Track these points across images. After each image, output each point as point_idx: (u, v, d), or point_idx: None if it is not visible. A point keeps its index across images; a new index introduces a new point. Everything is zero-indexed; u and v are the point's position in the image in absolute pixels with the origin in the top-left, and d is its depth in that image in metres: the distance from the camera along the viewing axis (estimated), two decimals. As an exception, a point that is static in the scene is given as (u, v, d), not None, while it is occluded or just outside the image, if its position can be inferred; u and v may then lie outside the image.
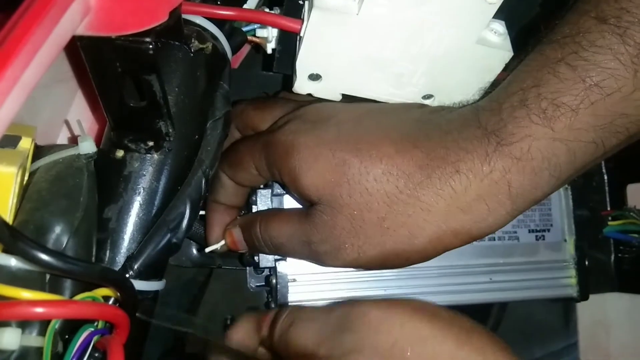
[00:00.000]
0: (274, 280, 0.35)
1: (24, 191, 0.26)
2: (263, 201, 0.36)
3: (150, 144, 0.29)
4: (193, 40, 0.30)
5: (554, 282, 0.39)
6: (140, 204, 0.29)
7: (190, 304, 0.43)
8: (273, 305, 0.35)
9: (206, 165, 0.30)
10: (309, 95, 0.33)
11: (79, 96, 0.36)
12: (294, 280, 0.35)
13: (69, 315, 0.23)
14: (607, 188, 0.46)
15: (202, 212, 0.37)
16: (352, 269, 0.35)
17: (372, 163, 0.29)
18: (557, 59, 0.27)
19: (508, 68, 0.31)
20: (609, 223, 0.44)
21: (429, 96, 0.33)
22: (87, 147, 0.28)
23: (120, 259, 0.28)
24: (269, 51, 0.34)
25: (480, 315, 0.44)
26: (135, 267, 0.27)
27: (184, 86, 0.29)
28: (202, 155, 0.30)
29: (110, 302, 0.25)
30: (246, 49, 0.39)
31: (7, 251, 0.23)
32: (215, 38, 0.31)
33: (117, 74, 0.25)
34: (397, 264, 0.30)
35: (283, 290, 0.35)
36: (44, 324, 0.23)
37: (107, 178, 0.29)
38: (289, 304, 0.35)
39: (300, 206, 0.35)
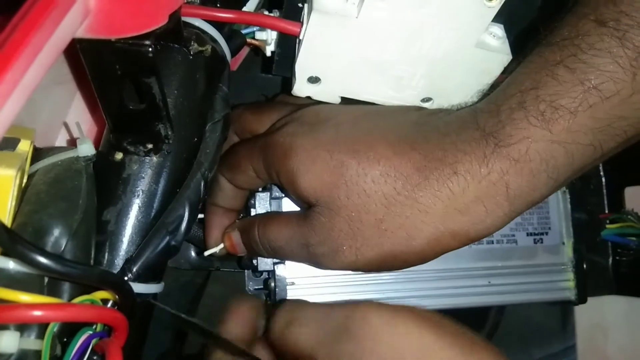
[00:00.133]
0: (272, 284, 0.35)
1: (23, 193, 0.26)
2: (261, 204, 0.36)
3: (150, 146, 0.29)
4: (192, 43, 0.30)
5: (552, 285, 0.39)
6: (139, 207, 0.29)
7: (189, 306, 0.43)
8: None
9: (205, 167, 0.30)
10: (308, 98, 0.33)
11: (77, 98, 0.36)
12: (293, 283, 0.35)
13: (68, 319, 0.23)
14: (605, 191, 0.46)
15: (200, 216, 0.37)
16: (350, 272, 0.35)
17: (370, 165, 0.29)
18: (556, 62, 0.27)
19: (506, 70, 0.31)
20: (607, 226, 0.44)
21: (427, 99, 0.33)
22: (86, 149, 0.28)
23: (119, 261, 0.28)
24: (268, 54, 0.34)
25: (478, 319, 0.44)
26: (134, 269, 0.27)
27: (183, 89, 0.29)
28: (201, 158, 0.30)
29: (109, 305, 0.25)
30: (245, 51, 0.39)
31: (5, 254, 0.23)
32: (214, 40, 0.31)
33: (116, 77, 0.25)
34: (395, 266, 0.30)
35: (282, 294, 0.35)
36: (42, 327, 0.23)
37: (106, 180, 0.29)
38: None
39: (298, 209, 0.35)
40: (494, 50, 0.31)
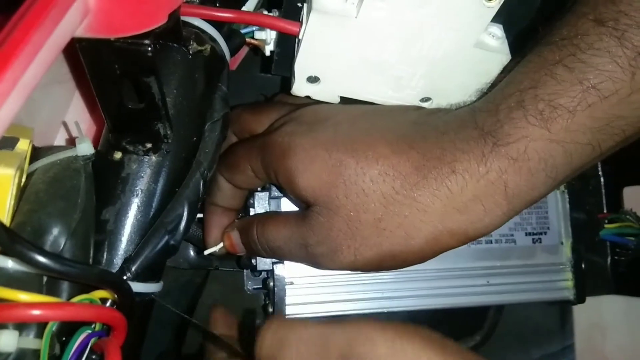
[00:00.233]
0: (271, 283, 0.35)
1: (22, 193, 0.26)
2: (260, 204, 0.36)
3: (149, 145, 0.29)
4: (192, 42, 0.30)
5: (550, 284, 0.39)
6: (138, 206, 0.29)
7: (188, 305, 0.43)
8: (271, 309, 0.35)
9: (204, 167, 0.30)
10: (307, 97, 0.33)
11: (77, 97, 0.36)
12: (292, 283, 0.35)
13: (66, 318, 0.23)
14: (603, 191, 0.46)
15: (200, 215, 0.37)
16: (349, 271, 0.35)
17: (369, 164, 0.29)
18: (555, 61, 0.27)
19: (505, 70, 0.31)
20: (606, 226, 0.44)
21: (427, 99, 0.33)
22: (85, 148, 0.28)
23: (118, 260, 0.28)
24: (268, 53, 0.34)
25: (477, 318, 0.45)
26: (133, 269, 0.27)
27: (182, 88, 0.29)
28: (200, 157, 0.30)
29: (108, 304, 0.25)
30: (244, 51, 0.39)
31: (4, 253, 0.23)
32: (213, 40, 0.31)
33: (115, 76, 0.25)
34: (394, 265, 0.30)
35: (280, 293, 0.35)
36: (41, 326, 0.23)
37: (104, 180, 0.29)
38: (287, 306, 0.35)
39: (297, 209, 0.35)
40: (493, 50, 0.31)
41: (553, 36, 0.28)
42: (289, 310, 0.35)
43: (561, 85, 0.26)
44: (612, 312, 0.47)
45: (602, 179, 0.46)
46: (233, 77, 0.34)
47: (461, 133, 0.28)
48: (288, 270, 0.35)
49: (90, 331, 0.24)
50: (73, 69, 0.33)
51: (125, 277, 0.27)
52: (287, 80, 0.33)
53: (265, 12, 0.32)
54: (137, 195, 0.29)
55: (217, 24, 0.31)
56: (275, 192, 0.36)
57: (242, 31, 0.34)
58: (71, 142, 0.34)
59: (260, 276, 0.38)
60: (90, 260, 0.27)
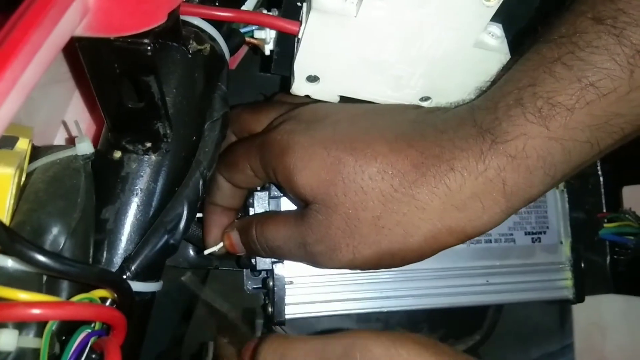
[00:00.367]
0: (271, 283, 0.35)
1: (21, 192, 0.26)
2: (260, 203, 0.36)
3: (148, 145, 0.29)
4: (191, 42, 0.30)
5: (550, 284, 0.39)
6: (137, 205, 0.29)
7: (187, 305, 0.43)
8: (270, 309, 0.35)
9: (204, 166, 0.30)
10: (307, 96, 0.33)
11: (76, 97, 0.36)
12: (291, 282, 0.35)
13: (66, 317, 0.23)
14: (602, 190, 0.46)
15: (199, 215, 0.37)
16: (348, 271, 0.35)
17: (367, 162, 0.29)
18: (554, 59, 0.27)
19: (504, 68, 0.31)
20: (605, 225, 0.44)
21: (426, 98, 0.33)
22: (85, 148, 0.28)
23: (118, 260, 0.28)
24: (267, 53, 0.34)
25: (476, 317, 0.44)
26: (133, 268, 0.27)
27: (182, 87, 0.29)
28: (199, 157, 0.30)
29: (107, 303, 0.25)
30: (244, 50, 0.39)
31: (4, 252, 0.23)
32: (213, 39, 0.31)
33: (115, 75, 0.25)
34: (393, 263, 0.30)
35: (280, 293, 0.35)
36: (41, 325, 0.23)
37: (104, 179, 0.29)
38: (286, 306, 0.35)
39: (297, 208, 0.35)
40: (492, 49, 0.31)
41: (552, 34, 0.28)
42: (289, 310, 0.35)
43: (560, 83, 0.26)
44: (612, 311, 0.47)
45: (601, 178, 0.46)
46: (232, 76, 0.34)
47: (460, 131, 0.28)
48: (288, 270, 0.35)
49: (90, 330, 0.24)
50: (72, 68, 0.33)
51: (125, 277, 0.27)
52: (287, 79, 0.33)
53: (265, 12, 0.32)
54: (136, 194, 0.29)
55: (216, 23, 0.31)
56: (275, 192, 0.36)
57: (242, 30, 0.34)
58: (71, 141, 0.34)
59: (260, 276, 0.38)
60: (90, 260, 0.27)
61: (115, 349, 0.22)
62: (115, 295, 0.25)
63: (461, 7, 0.28)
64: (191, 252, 0.41)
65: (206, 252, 0.36)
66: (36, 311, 0.21)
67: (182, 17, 0.29)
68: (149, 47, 0.24)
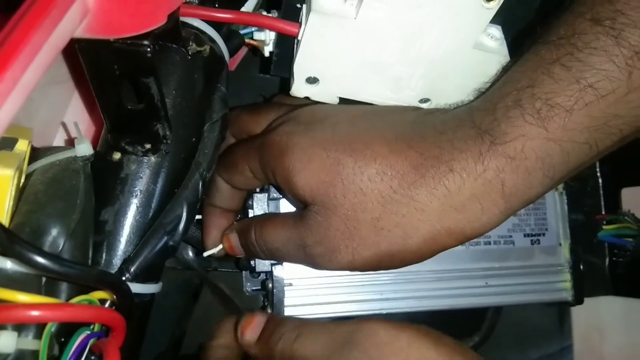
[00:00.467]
0: (270, 285, 0.35)
1: (21, 193, 0.26)
2: (259, 205, 0.36)
3: (148, 146, 0.29)
4: (191, 43, 0.30)
5: (549, 286, 0.39)
6: (137, 207, 0.28)
7: (186, 306, 0.43)
8: (269, 311, 0.35)
9: (203, 167, 0.30)
10: (306, 98, 0.33)
11: (76, 98, 0.36)
12: (291, 284, 0.35)
13: (65, 319, 0.23)
14: (601, 192, 0.46)
15: (198, 216, 0.37)
16: (348, 272, 0.35)
17: (366, 163, 0.29)
18: (552, 60, 0.27)
19: (503, 69, 0.31)
20: (604, 227, 0.44)
21: (425, 100, 0.33)
22: (84, 149, 0.28)
23: (117, 261, 0.28)
24: (267, 54, 0.34)
25: (475, 319, 0.45)
26: (132, 269, 0.27)
27: (181, 89, 0.29)
28: (199, 158, 0.30)
29: (107, 305, 0.25)
30: (244, 51, 0.39)
31: (3, 254, 0.23)
32: (212, 41, 0.31)
33: (114, 77, 0.25)
34: (392, 265, 0.30)
35: (279, 295, 0.35)
36: (40, 327, 0.23)
37: (103, 180, 0.29)
38: (285, 308, 0.35)
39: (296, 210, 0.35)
40: (491, 51, 0.31)
41: (550, 35, 0.28)
42: (288, 312, 0.35)
43: (558, 84, 0.26)
44: (610, 313, 0.47)
45: (600, 180, 0.46)
46: (232, 77, 0.34)
47: (459, 132, 0.28)
48: (287, 272, 0.35)
49: (89, 332, 0.24)
50: (72, 69, 0.33)
51: (124, 278, 0.27)
52: (286, 81, 0.33)
53: (265, 13, 0.32)
54: (136, 196, 0.29)
55: (216, 24, 0.31)
56: (274, 194, 0.36)
57: (241, 32, 0.34)
58: (70, 142, 0.34)
59: (259, 277, 0.38)
60: (89, 261, 0.27)
61: (115, 351, 0.22)
62: (115, 296, 0.25)
63: (461, 8, 0.28)
64: (190, 254, 0.41)
65: (205, 254, 0.36)
66: (35, 313, 0.21)
67: (182, 19, 0.29)
68: (148, 49, 0.24)
